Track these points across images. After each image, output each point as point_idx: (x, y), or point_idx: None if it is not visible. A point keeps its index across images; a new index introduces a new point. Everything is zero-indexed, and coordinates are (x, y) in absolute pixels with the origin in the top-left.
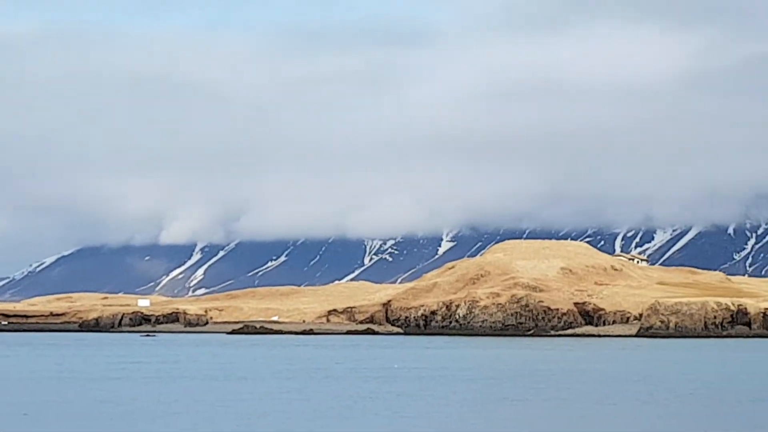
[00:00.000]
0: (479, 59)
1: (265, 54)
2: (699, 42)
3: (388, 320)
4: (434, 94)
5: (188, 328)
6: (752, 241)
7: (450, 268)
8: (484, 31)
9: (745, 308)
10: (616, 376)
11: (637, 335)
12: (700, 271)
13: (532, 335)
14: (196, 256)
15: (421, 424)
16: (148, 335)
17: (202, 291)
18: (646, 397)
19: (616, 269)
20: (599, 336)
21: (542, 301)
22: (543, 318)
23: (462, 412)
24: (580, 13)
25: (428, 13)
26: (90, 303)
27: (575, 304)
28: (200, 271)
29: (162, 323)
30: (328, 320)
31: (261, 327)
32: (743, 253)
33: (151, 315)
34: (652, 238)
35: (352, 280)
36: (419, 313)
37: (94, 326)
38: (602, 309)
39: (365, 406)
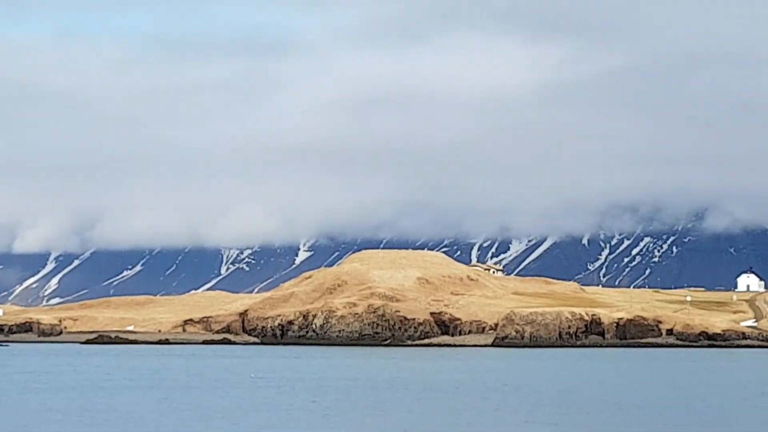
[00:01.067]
0: (343, 69)
1: (128, 62)
2: (557, 55)
3: (244, 330)
4: (296, 104)
5: (42, 338)
6: (606, 251)
7: (307, 278)
8: (349, 42)
9: (599, 318)
10: (472, 385)
11: (492, 345)
12: (554, 281)
13: (388, 345)
14: (50, 265)
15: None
16: (0, 345)
17: (57, 300)
18: (501, 405)
19: (472, 279)
20: (455, 346)
21: (399, 311)
22: (400, 328)
23: (321, 421)
24: (443, 24)
25: (294, 23)
26: None
27: (432, 314)
28: (54, 280)
29: (15, 333)
30: (184, 330)
31: (116, 337)
32: (597, 264)
33: (4, 324)
34: (508, 249)
35: (208, 289)
36: (276, 323)
37: None
38: (458, 319)
39: (221, 416)
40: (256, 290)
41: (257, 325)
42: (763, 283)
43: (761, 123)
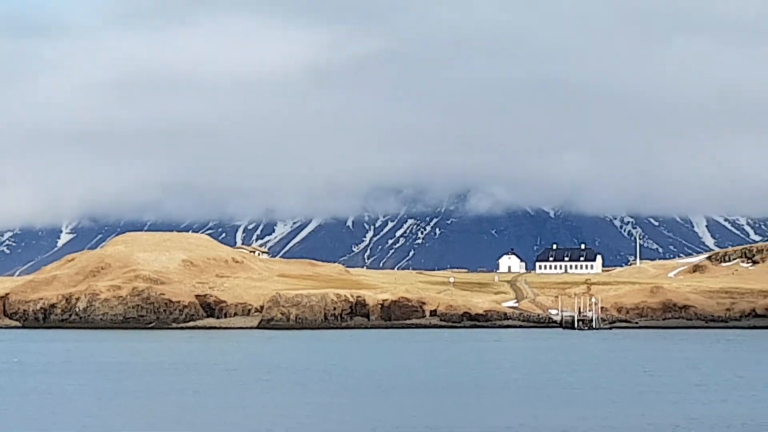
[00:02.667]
0: (108, 52)
1: None
2: (324, 37)
3: (5, 314)
4: (61, 85)
5: None
6: (370, 233)
7: (70, 261)
8: (115, 24)
9: (364, 300)
10: (239, 366)
11: (258, 327)
12: (320, 263)
13: (153, 328)
14: None
15: (46, 417)
16: None
17: None
18: (271, 385)
19: (237, 261)
20: (221, 328)
21: (163, 294)
22: (164, 311)
23: (97, 405)
24: (209, 6)
25: (59, 4)
26: None
27: (197, 296)
28: None
29: None
30: None
31: None
32: (362, 246)
33: None
34: (273, 231)
35: None
36: (38, 307)
37: None
38: (224, 301)
39: None
40: (17, 273)
41: (18, 308)
42: (524, 264)
43: (522, 106)
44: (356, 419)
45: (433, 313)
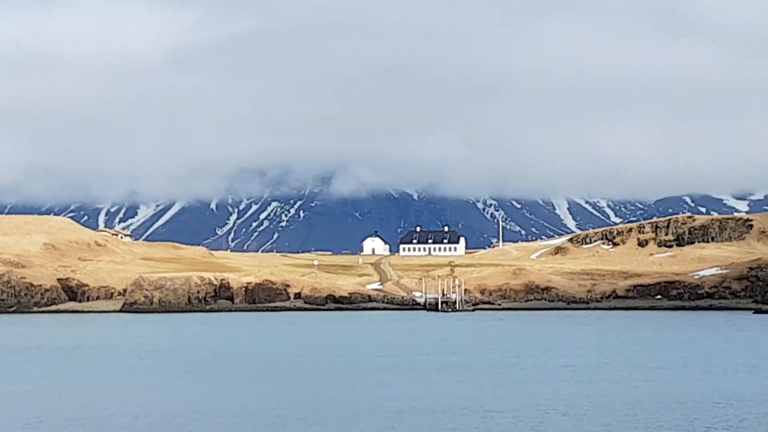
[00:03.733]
0: None
1: None
2: (188, 18)
3: None
4: None
5: None
6: (234, 216)
7: None
8: None
9: (228, 282)
10: (103, 350)
11: (121, 310)
12: (183, 246)
13: (13, 312)
14: None
15: None
16: None
17: None
18: (140, 369)
19: (99, 245)
20: (83, 312)
21: (24, 278)
22: (26, 294)
23: None
24: None
25: None
26: None
27: (59, 280)
28: None
29: None
30: None
31: None
32: (226, 228)
33: None
34: (136, 213)
35: None
36: None
37: None
38: (86, 285)
39: None
40: None
41: None
42: (388, 246)
43: (387, 89)
44: (224, 402)
45: (298, 295)
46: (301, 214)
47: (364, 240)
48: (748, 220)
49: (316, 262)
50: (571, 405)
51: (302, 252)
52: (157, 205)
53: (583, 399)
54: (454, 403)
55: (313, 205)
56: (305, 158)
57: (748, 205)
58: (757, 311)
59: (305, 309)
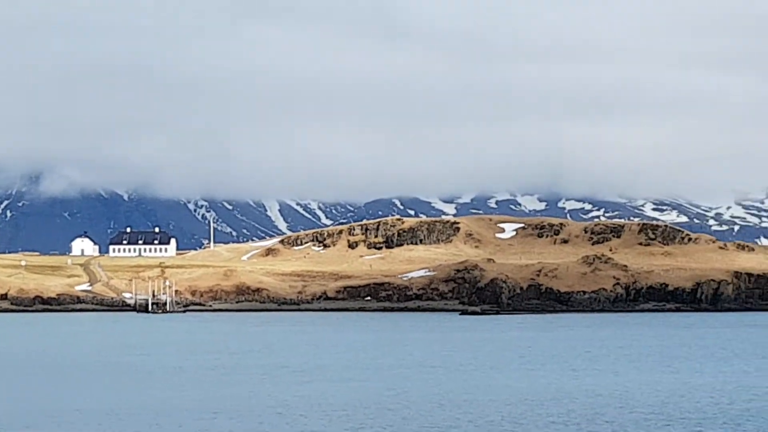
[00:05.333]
0: None
1: None
2: None
3: None
4: None
5: None
6: None
7: None
8: None
9: None
10: None
11: None
12: None
13: None
14: None
15: None
16: None
17: None
18: None
19: None
20: None
21: None
22: None
23: None
24: None
25: None
26: None
27: None
28: None
29: None
30: None
31: None
32: None
33: None
34: None
35: None
36: None
37: None
38: None
39: None
40: None
41: None
42: (97, 247)
43: (99, 88)
44: None
45: (4, 297)
46: (8, 213)
47: (72, 240)
48: (455, 222)
49: (23, 263)
50: (288, 405)
51: (9, 252)
52: None
53: (303, 400)
54: (181, 405)
55: (20, 204)
56: (12, 157)
57: (456, 208)
58: (464, 312)
59: (12, 310)
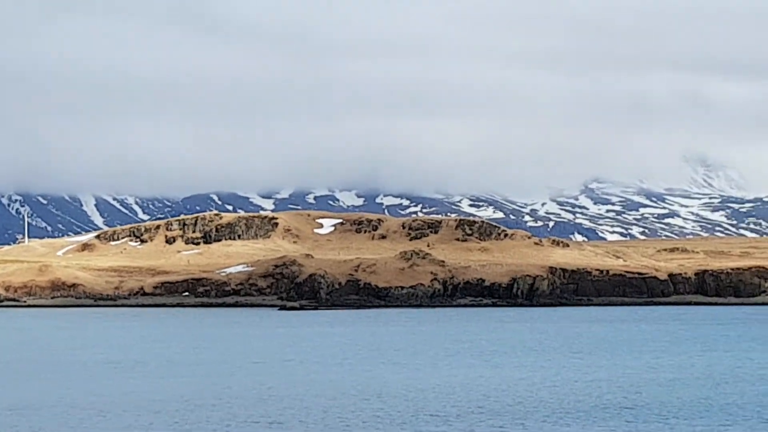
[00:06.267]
0: None
1: None
2: None
3: None
4: None
5: None
6: None
7: None
8: None
9: None
10: None
11: None
12: None
13: None
14: None
15: None
16: None
17: None
18: None
19: None
20: None
21: None
22: None
23: None
24: None
25: None
26: None
27: None
28: None
29: None
30: None
31: None
32: None
33: None
34: None
35: None
36: None
37: None
38: None
39: None
40: None
41: None
42: None
43: None
44: None
45: None
46: None
47: None
48: (273, 218)
49: None
50: (107, 402)
51: None
52: None
53: (124, 396)
54: None
55: None
56: None
57: (274, 203)
58: (282, 308)
59: None
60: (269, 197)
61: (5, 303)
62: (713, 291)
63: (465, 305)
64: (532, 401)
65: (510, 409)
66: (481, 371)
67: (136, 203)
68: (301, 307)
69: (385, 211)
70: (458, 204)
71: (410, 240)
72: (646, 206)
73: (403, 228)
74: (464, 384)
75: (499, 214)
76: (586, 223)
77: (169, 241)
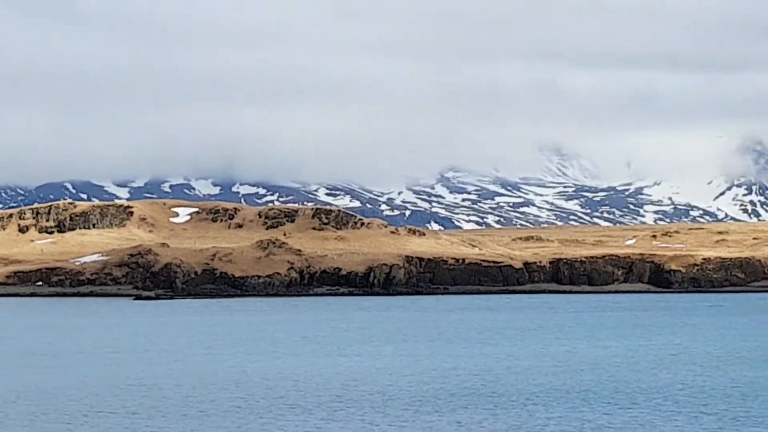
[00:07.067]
0: None
1: None
2: None
3: None
4: None
5: None
6: None
7: None
8: None
9: None
10: None
11: None
12: None
13: None
14: None
15: None
16: None
17: None
18: None
19: None
20: None
21: None
22: None
23: None
24: None
25: None
26: None
27: None
28: None
29: None
30: None
31: None
32: None
33: None
34: None
35: None
36: None
37: None
38: None
39: None
40: None
41: None
42: None
43: None
44: None
45: None
46: None
47: None
48: (128, 207)
49: None
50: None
51: None
52: None
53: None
54: None
55: None
56: None
57: (129, 192)
58: (138, 297)
59: None
60: (124, 186)
61: None
62: (567, 279)
63: (322, 294)
64: (392, 390)
65: (369, 398)
66: (339, 360)
67: None
68: (157, 297)
69: (242, 200)
70: (315, 193)
71: (267, 229)
72: (501, 195)
73: (260, 217)
74: (323, 373)
75: (356, 203)
76: (443, 212)
77: (22, 230)
